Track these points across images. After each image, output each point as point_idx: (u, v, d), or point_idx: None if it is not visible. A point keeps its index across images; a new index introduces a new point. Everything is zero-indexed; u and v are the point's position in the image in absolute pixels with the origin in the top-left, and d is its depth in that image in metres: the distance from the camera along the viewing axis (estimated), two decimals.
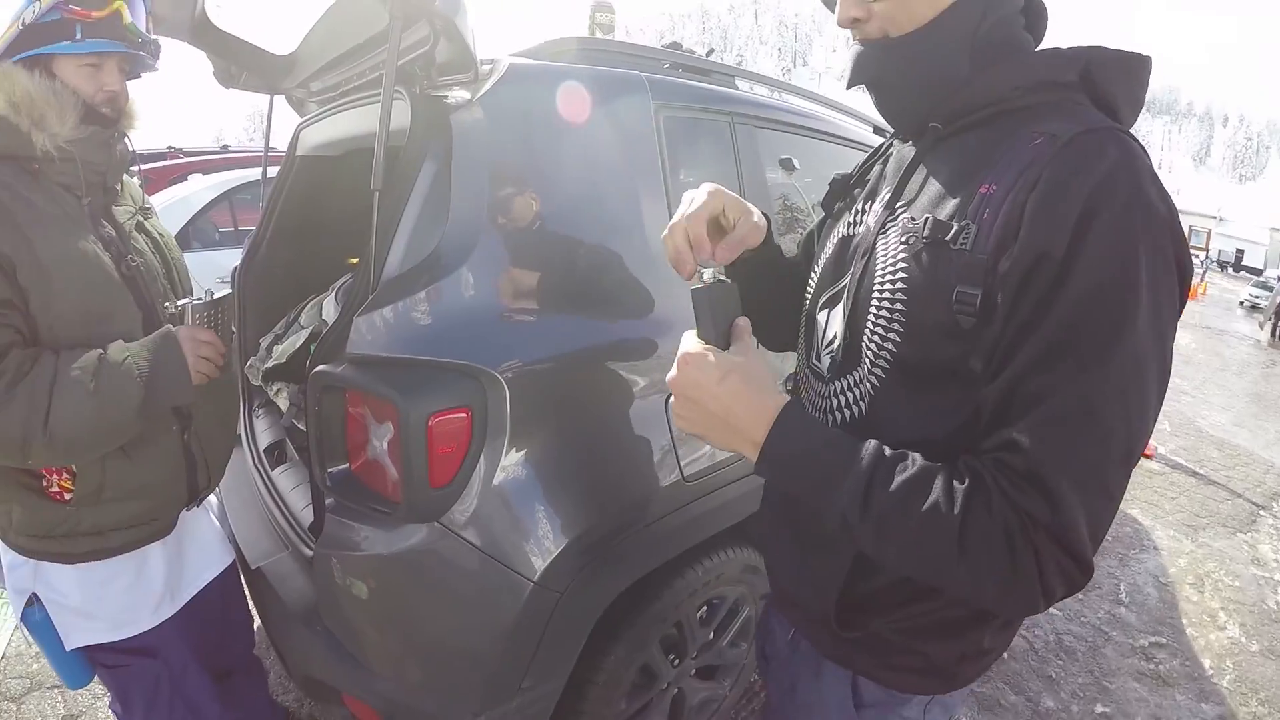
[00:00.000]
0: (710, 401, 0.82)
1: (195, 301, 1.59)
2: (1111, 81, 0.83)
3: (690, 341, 0.88)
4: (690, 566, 1.90)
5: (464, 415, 1.39)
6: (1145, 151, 0.75)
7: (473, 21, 1.50)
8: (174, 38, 2.03)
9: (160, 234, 1.74)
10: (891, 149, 1.05)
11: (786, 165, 2.30)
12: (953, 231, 0.79)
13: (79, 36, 1.40)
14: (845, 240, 1.00)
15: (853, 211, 1.02)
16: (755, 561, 2.07)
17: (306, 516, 1.96)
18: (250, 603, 2.03)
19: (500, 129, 1.55)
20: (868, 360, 0.88)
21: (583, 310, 1.63)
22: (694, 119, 2.00)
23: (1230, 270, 67.91)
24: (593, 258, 1.67)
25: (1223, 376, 10.94)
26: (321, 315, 2.40)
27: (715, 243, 0.98)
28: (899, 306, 0.84)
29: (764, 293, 1.14)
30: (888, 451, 0.77)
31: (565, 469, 1.55)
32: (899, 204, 0.90)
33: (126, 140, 1.58)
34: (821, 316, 1.01)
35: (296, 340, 2.37)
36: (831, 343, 0.96)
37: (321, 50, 2.18)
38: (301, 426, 2.28)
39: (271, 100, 2.54)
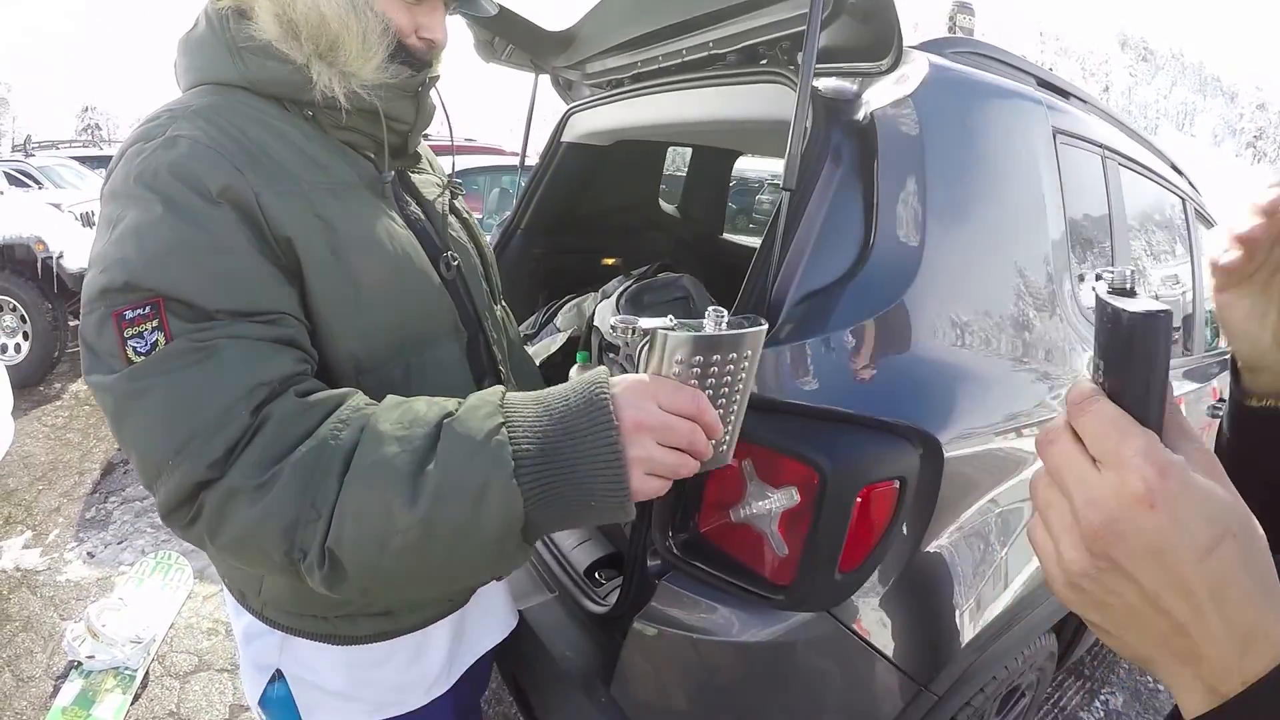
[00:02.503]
0: (1170, 585, 0.37)
1: (676, 331, 0.71)
2: None
3: (1106, 419, 0.39)
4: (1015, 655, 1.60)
5: (894, 488, 1.09)
6: None
7: None
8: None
9: (470, 219, 1.23)
10: None
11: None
12: None
13: None
14: None
15: None
16: (1054, 647, 1.79)
17: (578, 559, 1.71)
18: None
19: (935, 136, 1.27)
20: None
21: (1015, 363, 1.35)
22: (1074, 150, 1.71)
23: None
24: (1024, 300, 1.40)
25: None
26: (592, 321, 2.15)
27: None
28: None
29: None
30: None
31: (973, 554, 1.30)
32: None
33: (435, 91, 1.06)
34: None
35: (552, 344, 2.15)
36: None
37: (612, 29, 1.96)
38: None
39: (536, 80, 2.34)
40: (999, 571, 1.37)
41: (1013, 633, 1.45)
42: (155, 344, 0.73)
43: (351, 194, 0.92)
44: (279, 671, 1.12)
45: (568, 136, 2.35)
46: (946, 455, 1.15)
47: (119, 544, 3.21)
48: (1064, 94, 1.88)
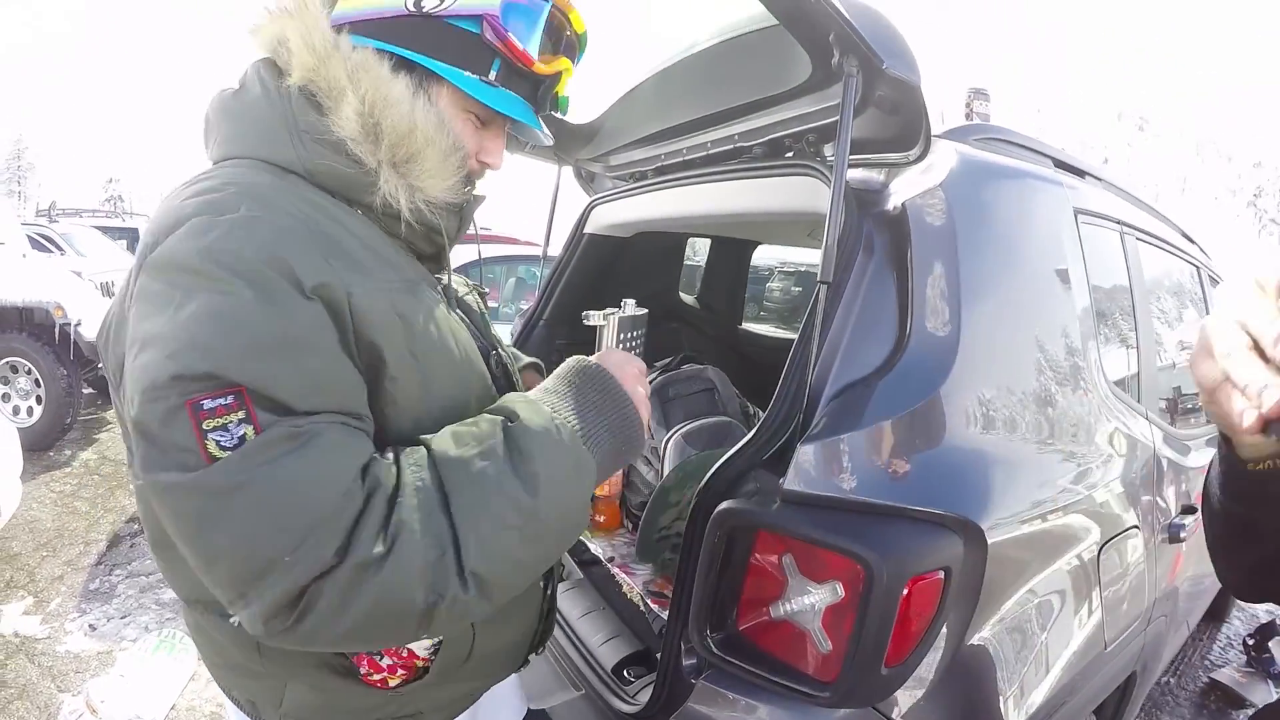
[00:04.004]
0: None
1: (620, 314, 1.30)
2: None
3: None
4: None
5: (939, 579, 1.07)
6: None
7: None
8: None
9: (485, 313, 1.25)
10: None
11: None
12: None
13: (492, 77, 0.91)
14: None
15: None
16: None
17: (606, 655, 1.66)
18: None
19: (965, 225, 1.29)
20: None
21: (1042, 446, 1.34)
22: (1094, 228, 1.74)
23: None
24: (1045, 387, 1.39)
25: None
26: None
27: None
28: None
29: None
30: None
31: (1019, 642, 1.28)
32: None
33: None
34: None
35: None
36: None
37: (637, 121, 2.01)
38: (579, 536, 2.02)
39: (559, 172, 2.39)
40: (1040, 658, 1.34)
41: (1061, 714, 1.42)
42: (244, 437, 0.68)
43: (421, 292, 0.90)
44: None
45: (590, 228, 2.39)
46: (992, 542, 1.14)
47: (122, 618, 3.16)
48: (1080, 173, 1.91)
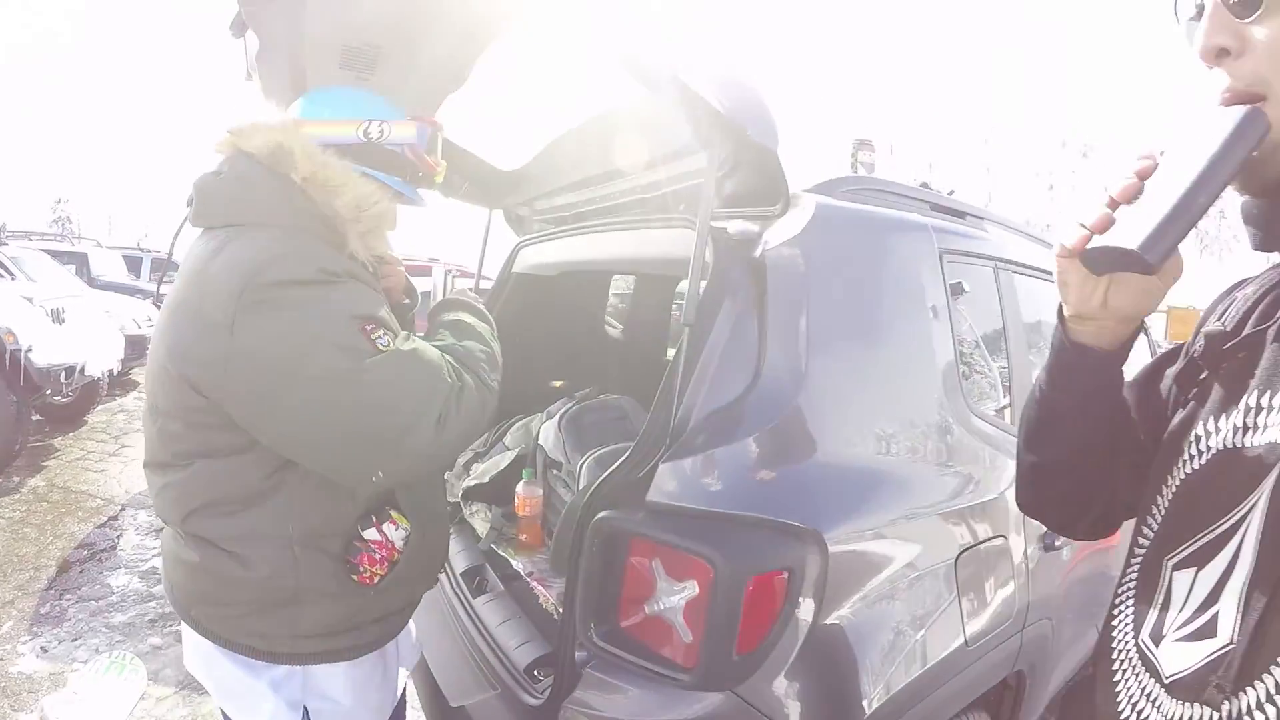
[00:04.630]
0: None
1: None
2: None
3: None
4: None
5: (782, 578, 1.26)
6: None
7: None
8: None
9: None
10: None
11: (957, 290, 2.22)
12: None
13: (410, 180, 1.45)
14: (1231, 456, 0.62)
15: (1241, 406, 0.63)
16: None
17: (520, 657, 1.82)
18: None
19: (817, 270, 1.48)
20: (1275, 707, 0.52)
21: (891, 462, 1.54)
22: (966, 266, 1.93)
23: None
24: (898, 411, 1.59)
25: None
26: (536, 440, 2.32)
27: None
28: None
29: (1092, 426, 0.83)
30: None
31: (869, 636, 1.43)
32: None
33: None
34: (1182, 577, 0.62)
35: (501, 461, 2.30)
36: (1198, 629, 0.59)
37: (557, 171, 2.20)
38: (503, 553, 2.18)
39: (490, 215, 2.57)
40: (894, 649, 1.49)
41: (927, 703, 1.57)
42: (389, 343, 1.19)
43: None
44: (306, 709, 1.39)
45: (518, 268, 2.56)
46: (833, 548, 1.32)
47: (73, 641, 3.24)
48: (960, 215, 2.12)
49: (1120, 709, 0.64)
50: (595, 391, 2.56)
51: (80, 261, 11.61)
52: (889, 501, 1.50)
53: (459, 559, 2.30)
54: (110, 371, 6.89)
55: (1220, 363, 0.69)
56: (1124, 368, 0.81)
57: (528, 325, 2.66)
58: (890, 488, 1.52)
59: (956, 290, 1.94)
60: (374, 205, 1.31)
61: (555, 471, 2.26)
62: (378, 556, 1.35)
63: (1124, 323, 0.75)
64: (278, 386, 1.14)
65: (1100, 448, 0.83)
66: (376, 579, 1.35)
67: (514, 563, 2.13)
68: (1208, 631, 0.57)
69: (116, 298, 9.25)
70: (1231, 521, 0.57)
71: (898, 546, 1.51)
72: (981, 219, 2.24)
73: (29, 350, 5.16)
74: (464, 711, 1.79)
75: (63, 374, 5.63)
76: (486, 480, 2.30)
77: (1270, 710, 0.51)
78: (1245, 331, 0.67)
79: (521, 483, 2.20)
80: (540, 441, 2.30)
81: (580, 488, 2.10)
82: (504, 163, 2.34)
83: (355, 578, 1.33)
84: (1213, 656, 0.55)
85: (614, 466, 1.39)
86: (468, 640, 1.99)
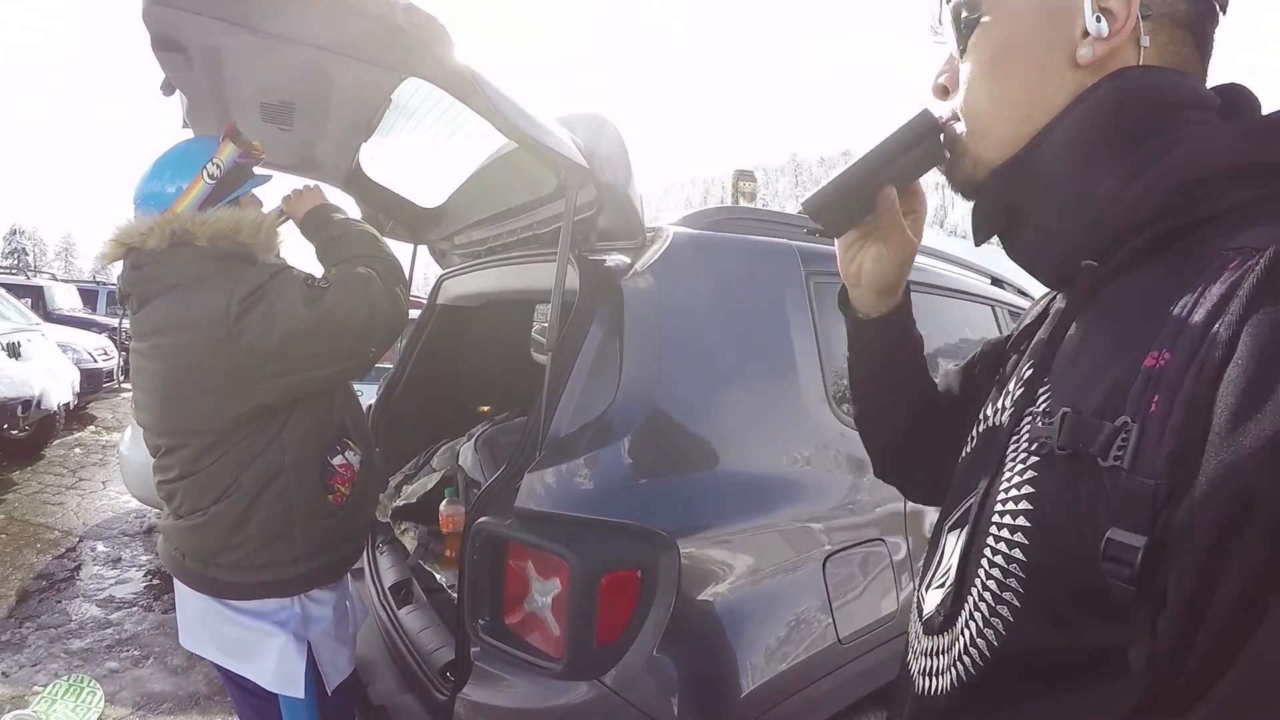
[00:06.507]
0: None
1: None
2: None
3: None
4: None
5: (634, 575, 1.41)
6: None
7: (640, 188, 1.63)
8: (330, 184, 2.25)
9: None
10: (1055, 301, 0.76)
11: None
12: (1101, 436, 0.51)
13: (256, 173, 1.81)
14: (989, 434, 0.71)
15: (1001, 393, 0.72)
16: None
17: (437, 660, 1.97)
18: None
19: (670, 295, 1.64)
20: (970, 627, 0.60)
21: (749, 472, 1.67)
22: (831, 284, 2.06)
23: None
24: (756, 423, 1.73)
25: None
26: (458, 461, 2.47)
27: None
28: (1018, 555, 0.56)
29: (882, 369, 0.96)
30: None
31: (729, 632, 1.55)
32: (1043, 385, 0.63)
33: None
34: (950, 538, 0.69)
35: (428, 482, 2.44)
36: (944, 579, 0.67)
37: (471, 208, 2.37)
38: (429, 568, 2.33)
39: (415, 249, 2.73)
40: (758, 643, 1.60)
41: (807, 694, 1.67)
42: (326, 282, 1.65)
43: None
44: (309, 644, 1.75)
45: (442, 299, 2.72)
46: (686, 549, 1.47)
47: (33, 666, 3.34)
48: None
49: (906, 652, 0.75)
50: (513, 414, 2.73)
51: (37, 295, 11.58)
52: (744, 505, 1.63)
53: (389, 574, 2.45)
54: (67, 405, 6.92)
55: (1006, 359, 0.81)
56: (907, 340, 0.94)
57: (453, 354, 2.81)
58: (746, 492, 1.66)
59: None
60: (259, 225, 1.71)
61: (475, 490, 2.41)
62: (345, 477, 1.77)
63: (881, 294, 0.89)
64: (290, 349, 1.58)
65: (899, 410, 0.96)
66: (343, 499, 1.77)
67: (439, 576, 2.28)
68: (946, 576, 0.66)
69: (73, 331, 9.27)
70: (981, 484, 0.64)
71: (758, 548, 1.63)
72: None
73: None
74: (385, 712, 1.92)
75: (19, 408, 5.69)
76: (415, 500, 2.44)
77: (967, 633, 0.60)
78: (1024, 327, 0.80)
79: (444, 502, 2.36)
80: (460, 463, 2.46)
81: None
82: (425, 200, 2.50)
83: (331, 498, 1.75)
84: (946, 592, 0.65)
85: (492, 479, 1.56)
86: (392, 646, 2.13)
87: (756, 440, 1.72)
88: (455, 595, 2.14)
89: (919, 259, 2.52)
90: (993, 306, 3.02)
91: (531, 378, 3.53)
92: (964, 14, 0.68)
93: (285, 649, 1.71)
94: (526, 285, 2.18)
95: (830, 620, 1.71)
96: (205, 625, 1.74)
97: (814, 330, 1.92)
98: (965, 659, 0.60)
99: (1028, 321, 0.80)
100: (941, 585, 0.66)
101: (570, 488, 1.45)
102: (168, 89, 1.77)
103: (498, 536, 1.47)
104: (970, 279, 2.97)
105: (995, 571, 0.57)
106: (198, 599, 1.73)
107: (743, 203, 2.62)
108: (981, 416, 0.75)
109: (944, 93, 0.73)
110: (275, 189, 1.96)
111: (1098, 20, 0.60)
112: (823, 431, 1.85)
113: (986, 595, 0.58)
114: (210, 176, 1.67)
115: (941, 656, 0.64)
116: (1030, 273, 0.70)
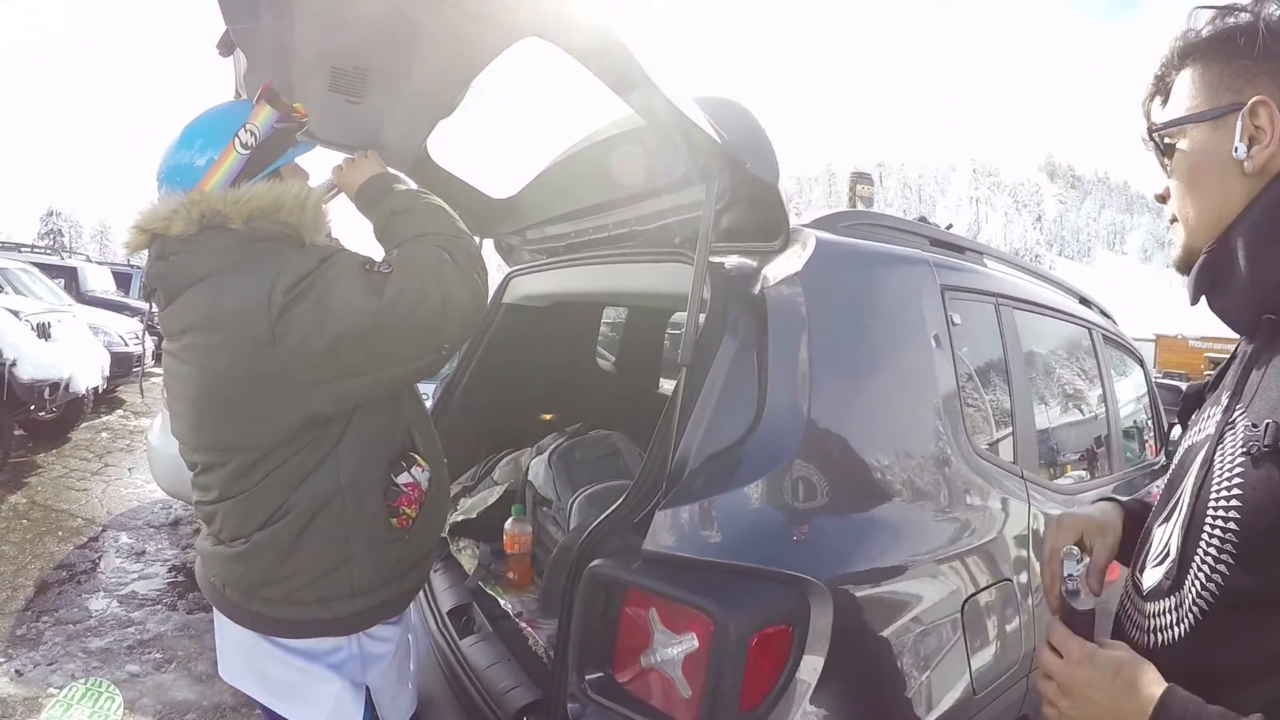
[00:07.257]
0: (1104, 699, 0.79)
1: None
2: None
3: (1067, 636, 0.87)
4: None
5: (787, 631, 1.21)
6: None
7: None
8: (396, 168, 2.03)
9: None
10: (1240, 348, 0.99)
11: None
12: None
13: (298, 140, 1.52)
14: (1190, 450, 0.92)
15: (1202, 418, 0.95)
16: None
17: (510, 703, 1.76)
18: None
19: (818, 309, 1.43)
20: (1195, 585, 0.80)
21: (895, 509, 1.47)
22: (967, 302, 1.88)
23: None
24: (901, 454, 1.53)
25: None
26: (526, 476, 2.26)
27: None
28: (1232, 527, 0.76)
29: None
30: None
31: (876, 690, 1.38)
32: (1238, 408, 0.84)
33: None
34: (1159, 532, 0.92)
35: (489, 496, 2.24)
36: (1161, 559, 0.88)
37: (551, 201, 2.16)
38: (491, 591, 2.12)
39: (480, 243, 2.53)
40: (901, 703, 1.44)
41: None
42: (388, 267, 1.36)
43: None
44: (367, 689, 1.54)
45: (508, 298, 2.52)
46: (839, 600, 1.26)
47: (49, 665, 3.16)
48: (960, 249, 2.08)
49: (1122, 623, 0.95)
50: (586, 426, 2.52)
51: (70, 276, 11.56)
52: (895, 548, 1.44)
53: (445, 597, 2.23)
54: (95, 389, 6.81)
55: (1201, 400, 1.00)
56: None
57: (517, 357, 2.61)
58: (897, 533, 1.46)
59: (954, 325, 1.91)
60: (304, 200, 1.43)
61: (545, 509, 2.21)
62: (411, 498, 1.49)
63: None
64: (346, 349, 1.30)
65: None
66: (410, 521, 1.49)
67: (502, 602, 2.07)
68: (1165, 555, 0.86)
69: (105, 314, 9.20)
70: (1181, 488, 0.87)
71: (906, 595, 1.45)
72: (981, 254, 2.21)
73: (14, 364, 5.08)
74: None
75: (47, 389, 5.55)
76: (474, 515, 2.24)
77: (1194, 589, 0.79)
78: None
79: (510, 520, 2.14)
80: (530, 477, 2.25)
81: (572, 527, 2.04)
82: (496, 191, 2.30)
83: (395, 520, 1.47)
84: (1168, 566, 0.85)
85: (608, 511, 1.34)
86: (455, 682, 1.92)
87: (901, 473, 1.51)
88: (521, 624, 1.96)
89: (1019, 280, 2.37)
90: (1089, 329, 2.85)
91: (598, 386, 3.40)
92: (1165, 141, 0.91)
93: (340, 696, 1.48)
94: (616, 287, 1.98)
95: (967, 670, 1.56)
96: (248, 660, 1.49)
97: (951, 352, 1.72)
98: (1195, 610, 0.80)
99: (1222, 367, 1.00)
100: (1159, 563, 0.88)
101: (708, 528, 1.24)
102: (225, 47, 1.58)
103: (619, 582, 1.25)
104: (1064, 298, 2.79)
105: (1214, 541, 0.77)
106: (240, 631, 1.48)
107: (860, 207, 2.41)
108: (1183, 444, 0.97)
109: (1162, 200, 0.95)
110: (322, 157, 1.69)
111: (1235, 152, 0.82)
112: (960, 463, 1.65)
113: (1208, 559, 0.78)
114: (244, 146, 1.40)
115: (1171, 614, 0.83)
116: (1226, 324, 0.90)
